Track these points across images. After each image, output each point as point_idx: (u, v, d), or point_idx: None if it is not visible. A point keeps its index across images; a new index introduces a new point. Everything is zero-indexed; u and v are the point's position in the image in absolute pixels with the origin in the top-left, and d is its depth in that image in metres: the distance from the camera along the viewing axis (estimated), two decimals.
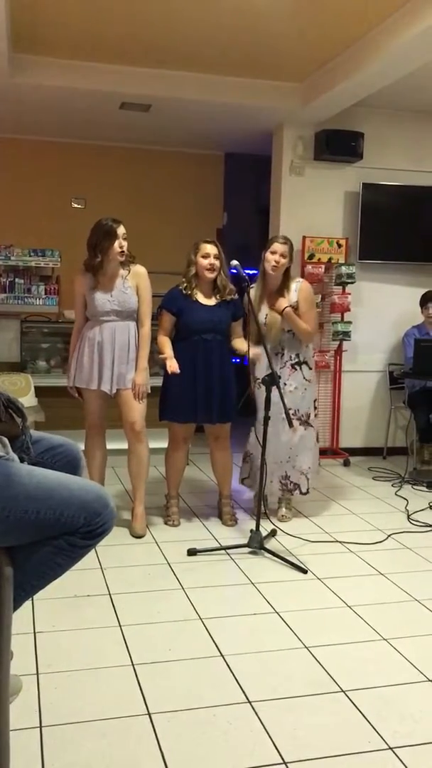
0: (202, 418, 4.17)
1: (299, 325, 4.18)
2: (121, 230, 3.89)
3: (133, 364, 3.99)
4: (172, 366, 3.97)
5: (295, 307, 4.18)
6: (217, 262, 4.07)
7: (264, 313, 4.22)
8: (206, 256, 4.07)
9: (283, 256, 4.14)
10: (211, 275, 4.08)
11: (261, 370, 4.18)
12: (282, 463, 4.30)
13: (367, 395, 6.30)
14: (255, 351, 4.00)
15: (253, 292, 4.19)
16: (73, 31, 4.55)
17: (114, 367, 3.96)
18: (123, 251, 3.91)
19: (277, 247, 4.15)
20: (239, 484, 4.59)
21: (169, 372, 3.97)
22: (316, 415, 4.42)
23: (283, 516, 4.38)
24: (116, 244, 3.87)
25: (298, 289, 4.24)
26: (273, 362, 3.96)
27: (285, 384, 4.18)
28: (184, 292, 4.10)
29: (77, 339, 4.08)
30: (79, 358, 4.02)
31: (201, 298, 4.12)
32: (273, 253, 4.14)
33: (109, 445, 4.23)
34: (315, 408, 4.40)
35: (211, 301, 4.13)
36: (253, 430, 4.37)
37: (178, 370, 3.96)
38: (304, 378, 4.29)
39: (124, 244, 3.91)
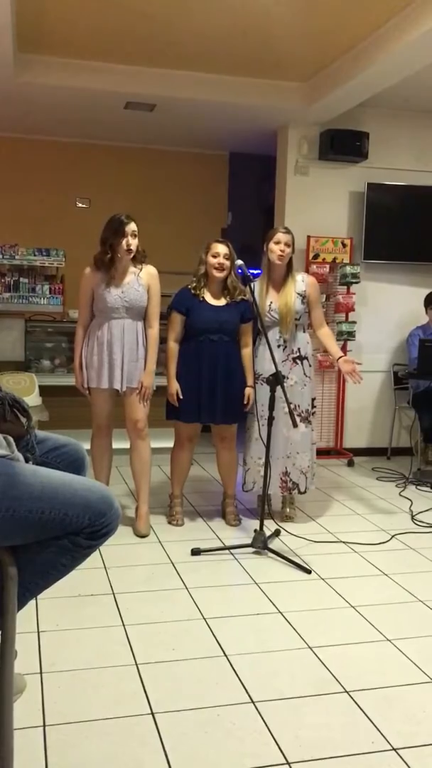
0: (206, 418, 4.17)
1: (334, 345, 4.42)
2: (130, 227, 3.85)
3: (141, 363, 3.98)
4: (174, 398, 4.09)
5: (304, 296, 4.23)
6: (226, 262, 4.06)
7: (269, 301, 4.22)
8: (216, 255, 4.06)
9: (287, 245, 4.17)
10: (219, 274, 4.07)
11: (263, 367, 4.18)
12: (282, 458, 4.26)
13: (372, 395, 6.29)
14: (248, 391, 4.15)
15: (257, 284, 4.21)
16: (78, 31, 4.56)
17: (124, 366, 3.95)
18: (130, 249, 3.87)
19: (281, 237, 4.17)
20: (242, 491, 4.55)
21: (170, 399, 4.10)
22: (313, 414, 4.38)
23: (286, 516, 4.38)
24: (124, 242, 3.84)
25: (306, 282, 4.28)
26: (275, 355, 3.95)
27: (286, 378, 4.16)
28: (192, 291, 4.11)
29: (83, 336, 4.04)
30: (89, 357, 4.00)
31: (209, 298, 4.12)
32: (277, 243, 4.16)
33: (113, 445, 4.22)
34: (314, 407, 4.37)
35: (220, 302, 4.13)
36: (249, 431, 4.30)
37: (176, 403, 4.10)
38: (304, 374, 4.27)
39: (133, 242, 3.86)
